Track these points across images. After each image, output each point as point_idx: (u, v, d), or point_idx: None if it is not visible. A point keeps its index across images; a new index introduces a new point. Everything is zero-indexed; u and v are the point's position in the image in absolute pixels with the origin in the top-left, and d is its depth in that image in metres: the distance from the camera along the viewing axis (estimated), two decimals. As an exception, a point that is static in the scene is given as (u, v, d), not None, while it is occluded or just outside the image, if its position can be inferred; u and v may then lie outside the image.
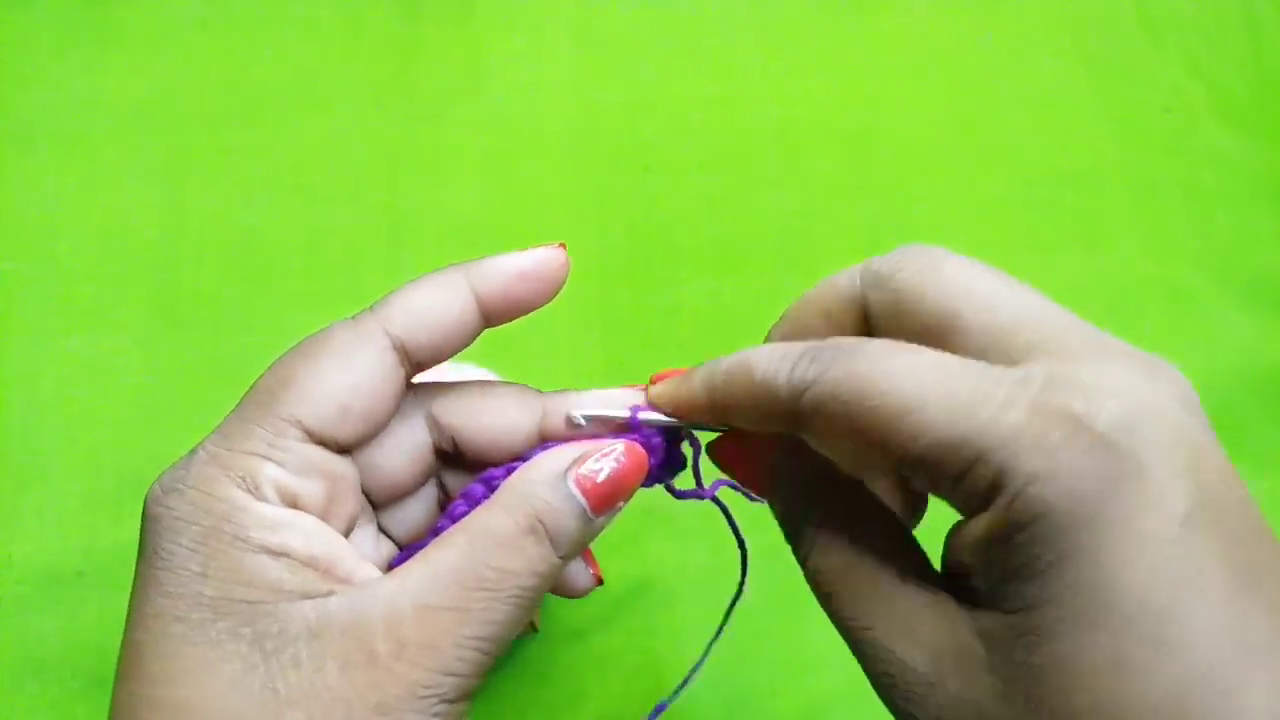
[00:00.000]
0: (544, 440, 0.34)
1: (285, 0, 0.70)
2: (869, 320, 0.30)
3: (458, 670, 0.29)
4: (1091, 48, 0.74)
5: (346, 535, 0.33)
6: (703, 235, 0.67)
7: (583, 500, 0.31)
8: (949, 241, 0.72)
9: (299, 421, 0.30)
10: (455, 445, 0.34)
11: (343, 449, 0.32)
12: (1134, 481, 0.24)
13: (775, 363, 0.28)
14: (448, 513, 0.33)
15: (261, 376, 0.32)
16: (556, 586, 0.34)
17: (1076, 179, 0.71)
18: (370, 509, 0.35)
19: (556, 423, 0.34)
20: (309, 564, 0.29)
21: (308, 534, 0.29)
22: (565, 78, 0.70)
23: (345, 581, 0.29)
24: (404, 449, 0.34)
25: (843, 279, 0.31)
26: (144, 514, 0.29)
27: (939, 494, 0.27)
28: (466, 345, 0.33)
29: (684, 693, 0.56)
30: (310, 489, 0.30)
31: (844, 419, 0.27)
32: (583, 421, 0.33)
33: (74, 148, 0.65)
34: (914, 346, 0.27)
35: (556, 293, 0.34)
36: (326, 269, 0.63)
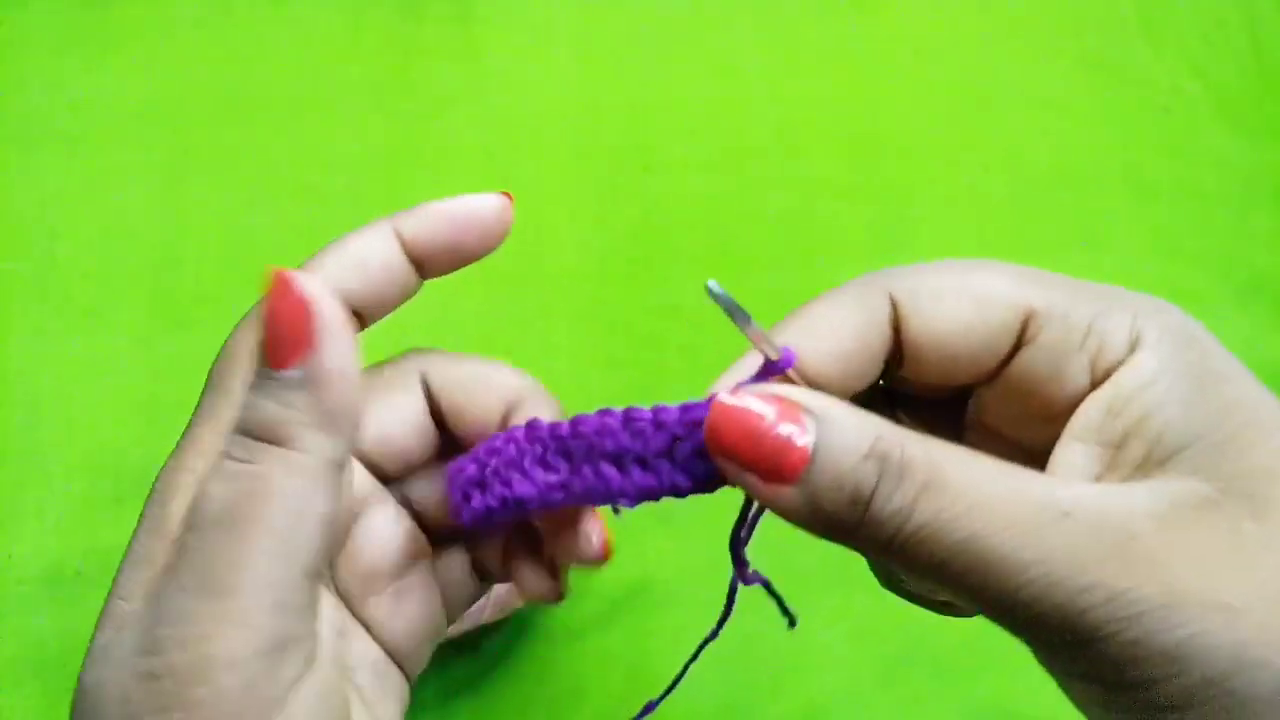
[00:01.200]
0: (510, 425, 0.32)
1: (285, 0, 0.70)
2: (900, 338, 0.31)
3: None
4: (1091, 48, 0.74)
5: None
6: (703, 235, 0.67)
7: (268, 370, 0.28)
8: (949, 241, 0.72)
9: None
10: (441, 413, 0.33)
11: (382, 479, 0.33)
12: None
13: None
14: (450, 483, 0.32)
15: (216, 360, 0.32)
16: (567, 553, 0.32)
17: (1076, 179, 0.71)
18: (383, 488, 0.34)
19: (523, 410, 0.32)
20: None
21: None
22: (565, 78, 0.70)
23: None
24: (404, 417, 0.33)
25: (860, 308, 0.31)
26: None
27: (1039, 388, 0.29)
28: (404, 296, 0.32)
29: (686, 692, 0.56)
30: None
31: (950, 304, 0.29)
32: (716, 290, 0.30)
33: (74, 148, 0.65)
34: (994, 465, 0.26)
35: (497, 244, 0.33)
36: (326, 269, 0.63)
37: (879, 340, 0.31)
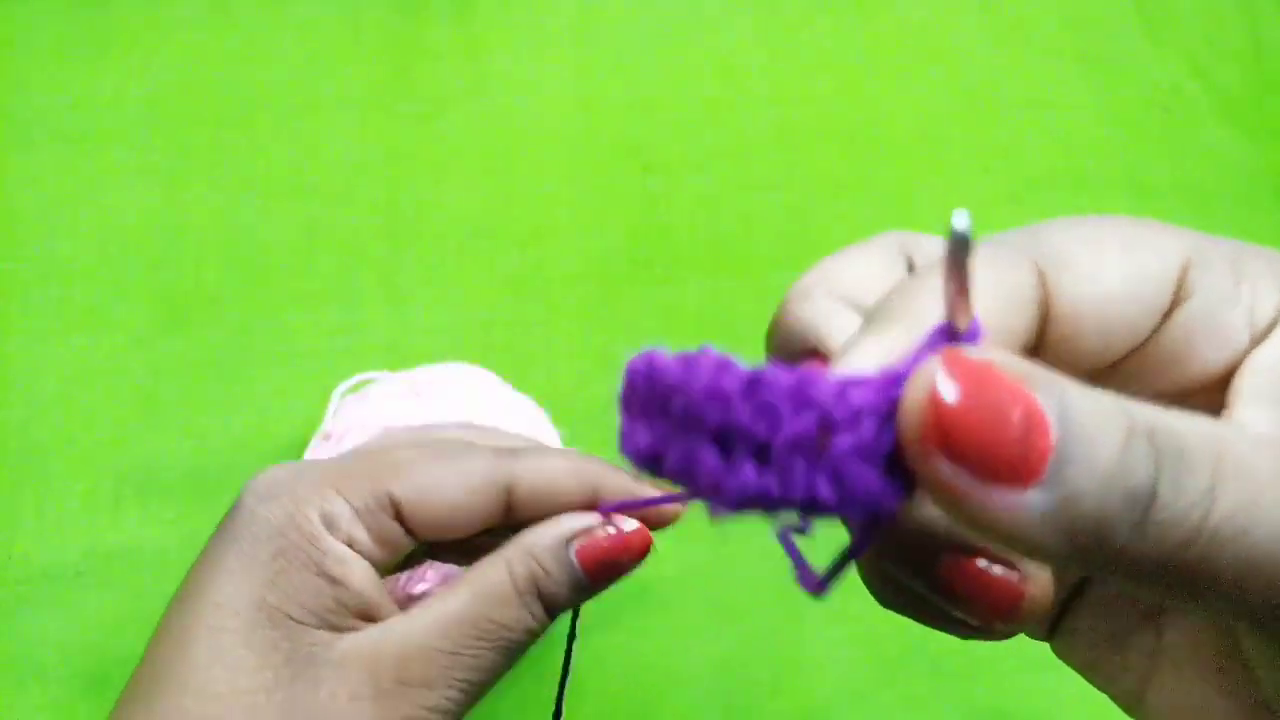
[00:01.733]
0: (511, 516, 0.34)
1: (285, 0, 0.70)
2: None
3: (443, 707, 0.31)
4: (1091, 48, 0.74)
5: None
6: (703, 235, 0.67)
7: (580, 573, 0.32)
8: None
9: (393, 494, 0.32)
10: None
11: (416, 537, 0.34)
12: None
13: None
14: None
15: (398, 444, 0.35)
16: (645, 516, 0.34)
17: (1076, 179, 0.71)
18: None
19: (528, 500, 0.34)
20: (356, 600, 0.32)
21: (363, 576, 0.32)
22: (565, 78, 0.70)
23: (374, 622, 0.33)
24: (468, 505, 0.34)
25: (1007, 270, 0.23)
26: (240, 502, 0.32)
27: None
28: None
29: (686, 692, 0.56)
30: (374, 552, 0.33)
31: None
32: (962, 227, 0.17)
33: (74, 148, 0.65)
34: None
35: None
36: (326, 269, 0.63)
37: (1025, 321, 0.23)
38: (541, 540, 0.32)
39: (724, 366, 0.19)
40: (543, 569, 0.32)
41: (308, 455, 0.53)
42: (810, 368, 0.20)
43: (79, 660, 0.53)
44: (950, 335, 0.19)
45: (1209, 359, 0.23)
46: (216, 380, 0.59)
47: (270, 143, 0.66)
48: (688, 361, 0.20)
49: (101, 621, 0.54)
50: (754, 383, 0.18)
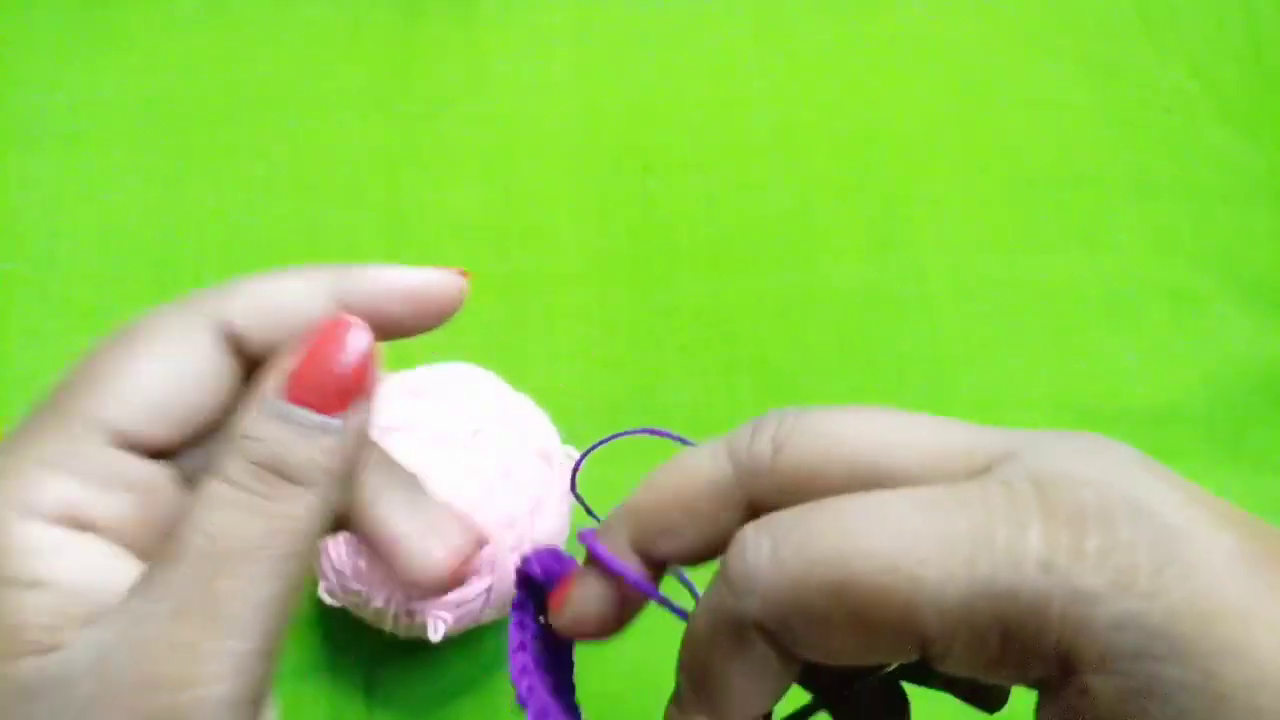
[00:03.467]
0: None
1: (285, 0, 0.70)
2: (753, 511, 0.25)
3: (223, 694, 0.22)
4: (1091, 48, 0.74)
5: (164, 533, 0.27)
6: (703, 235, 0.67)
7: (303, 411, 0.24)
8: (949, 241, 0.72)
9: (104, 422, 0.26)
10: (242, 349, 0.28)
11: (158, 454, 0.27)
12: (1198, 573, 0.20)
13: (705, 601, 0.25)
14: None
15: (67, 370, 0.27)
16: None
17: (1077, 179, 0.70)
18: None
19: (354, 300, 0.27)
20: (72, 596, 0.23)
21: (81, 562, 0.24)
22: (565, 78, 0.70)
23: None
24: (204, 385, 0.27)
25: (704, 463, 0.26)
26: None
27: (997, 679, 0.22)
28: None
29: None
30: (110, 505, 0.25)
31: (828, 610, 0.21)
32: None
33: (74, 148, 0.65)
34: (861, 497, 0.22)
35: (443, 323, 0.29)
36: (326, 269, 0.63)
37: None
38: (243, 416, 0.25)
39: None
40: (255, 438, 0.24)
41: (307, 455, 0.53)
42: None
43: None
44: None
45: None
46: (216, 380, 0.59)
47: (270, 143, 0.66)
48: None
49: (101, 621, 0.54)
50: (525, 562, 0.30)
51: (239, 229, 0.64)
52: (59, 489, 0.24)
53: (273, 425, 0.24)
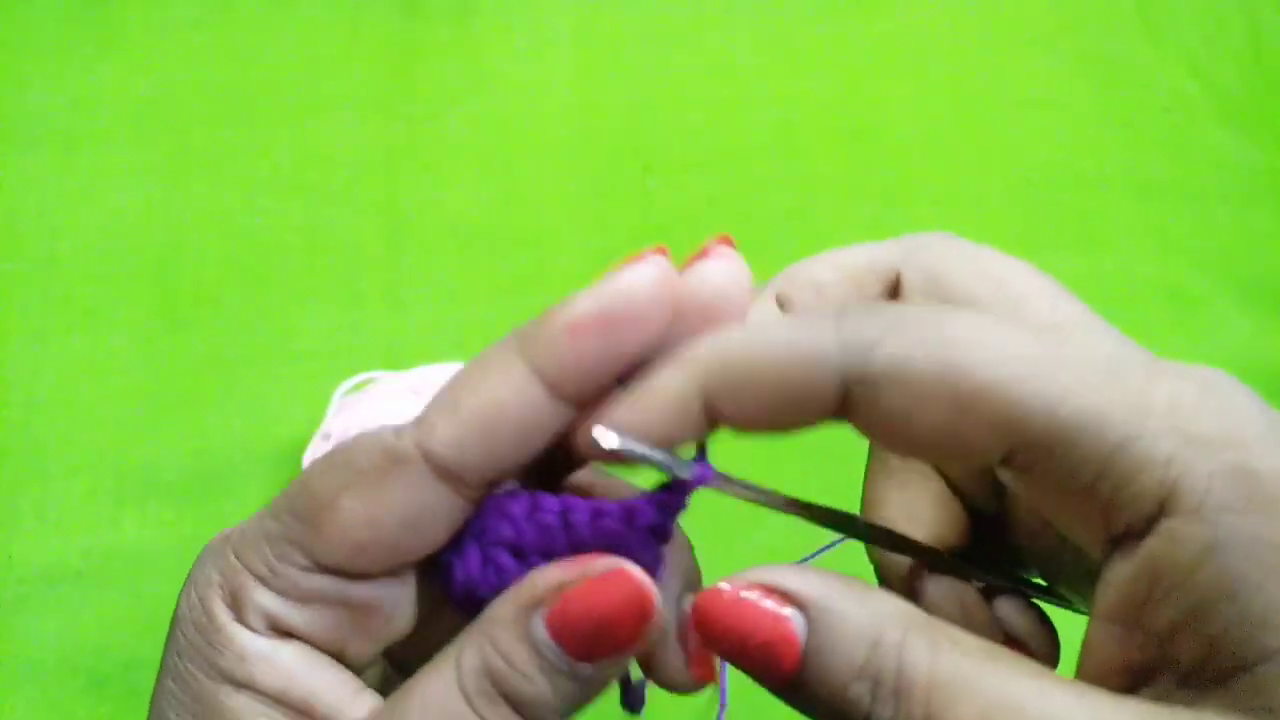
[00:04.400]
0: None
1: (285, 0, 0.70)
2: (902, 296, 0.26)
3: None
4: (1091, 48, 0.74)
5: (393, 644, 0.27)
6: (703, 235, 0.66)
7: (560, 652, 0.23)
8: (949, 241, 0.71)
9: (305, 550, 0.25)
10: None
11: (371, 578, 0.26)
12: None
13: (812, 330, 0.22)
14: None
15: (300, 477, 0.26)
16: (652, 673, 0.27)
17: (1076, 179, 0.70)
18: None
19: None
20: (279, 701, 0.25)
21: (288, 669, 0.25)
22: (565, 78, 0.70)
23: None
24: (417, 524, 0.26)
25: (877, 248, 0.27)
26: None
27: (1058, 515, 0.22)
28: (549, 438, 0.25)
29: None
30: (314, 617, 0.26)
31: (927, 389, 0.21)
32: (615, 444, 0.23)
33: (74, 148, 0.65)
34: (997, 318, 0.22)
35: (658, 328, 0.25)
36: (326, 269, 0.63)
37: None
38: (499, 610, 0.24)
39: (514, 496, 0.25)
40: (504, 660, 0.23)
41: (308, 455, 0.53)
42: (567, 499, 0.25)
43: (79, 660, 0.53)
44: (680, 485, 0.24)
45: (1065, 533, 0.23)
46: (216, 380, 0.59)
47: (270, 143, 0.66)
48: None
49: (101, 621, 0.54)
50: (534, 506, 0.25)
51: (239, 229, 0.64)
52: (263, 601, 0.25)
53: (524, 651, 0.23)
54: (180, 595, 0.26)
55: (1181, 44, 0.75)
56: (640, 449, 0.23)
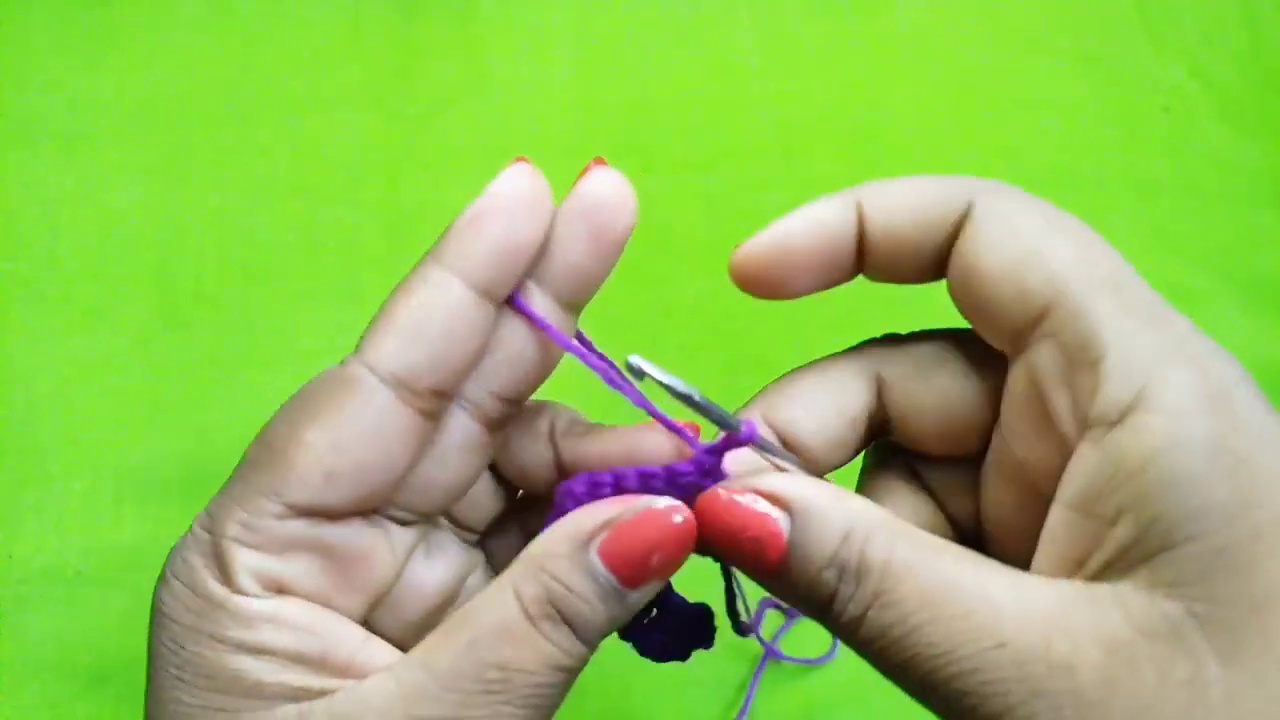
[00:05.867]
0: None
1: (285, 0, 0.70)
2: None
3: None
4: (1091, 48, 0.74)
5: (376, 600, 0.29)
6: (702, 235, 0.67)
7: (612, 578, 0.26)
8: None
9: (277, 495, 0.26)
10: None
11: (344, 514, 0.27)
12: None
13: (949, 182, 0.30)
14: (556, 511, 0.30)
15: (255, 440, 0.28)
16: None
17: (1076, 179, 0.70)
18: (430, 525, 0.31)
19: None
20: (296, 660, 0.26)
21: (294, 625, 0.26)
22: (565, 78, 0.70)
23: (344, 671, 0.26)
24: (452, 448, 0.29)
25: (948, 180, 0.30)
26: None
27: (1054, 392, 0.26)
28: (483, 341, 0.28)
29: (688, 691, 0.56)
30: (299, 568, 0.27)
31: (1004, 238, 0.28)
32: (648, 370, 0.29)
33: (74, 148, 0.65)
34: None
35: (543, 229, 0.29)
36: (326, 269, 0.63)
37: (861, 411, 0.32)
38: (554, 547, 0.26)
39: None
40: (561, 584, 0.26)
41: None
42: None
43: (79, 660, 0.53)
44: (729, 439, 0.29)
45: (1051, 424, 0.27)
46: (216, 380, 0.59)
47: (270, 143, 0.66)
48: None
49: (101, 621, 0.54)
50: (593, 482, 0.30)
51: (239, 229, 0.64)
52: (250, 561, 0.26)
53: (581, 578, 0.26)
54: (156, 595, 0.27)
55: (1181, 44, 0.75)
56: (668, 379, 0.28)
